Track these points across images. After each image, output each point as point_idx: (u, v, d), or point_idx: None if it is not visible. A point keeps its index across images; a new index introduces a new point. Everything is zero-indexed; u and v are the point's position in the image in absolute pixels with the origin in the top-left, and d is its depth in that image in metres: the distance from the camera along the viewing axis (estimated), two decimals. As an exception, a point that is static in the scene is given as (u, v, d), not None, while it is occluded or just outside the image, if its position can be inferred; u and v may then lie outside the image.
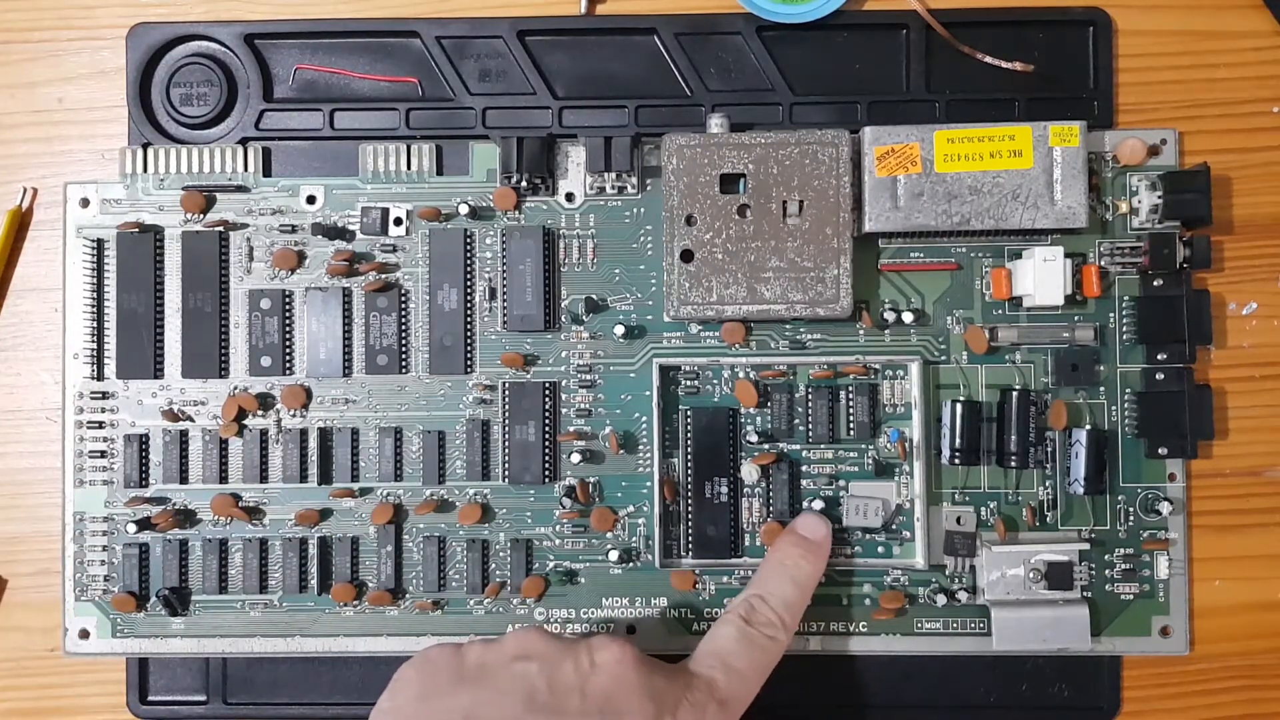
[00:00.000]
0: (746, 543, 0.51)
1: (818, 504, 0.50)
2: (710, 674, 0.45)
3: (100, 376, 0.51)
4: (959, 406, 0.49)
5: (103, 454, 0.51)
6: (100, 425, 0.51)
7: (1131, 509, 0.50)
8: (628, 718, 0.42)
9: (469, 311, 0.51)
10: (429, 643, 0.50)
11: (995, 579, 0.50)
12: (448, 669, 0.44)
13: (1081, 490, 0.49)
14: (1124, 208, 0.50)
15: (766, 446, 0.51)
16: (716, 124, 0.50)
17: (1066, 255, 0.49)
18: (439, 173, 0.51)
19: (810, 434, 0.50)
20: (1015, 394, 0.49)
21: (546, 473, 0.50)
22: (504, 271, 0.50)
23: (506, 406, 0.50)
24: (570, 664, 0.43)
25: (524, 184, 0.50)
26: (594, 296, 0.51)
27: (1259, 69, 0.52)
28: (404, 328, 0.51)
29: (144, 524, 0.50)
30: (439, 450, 0.51)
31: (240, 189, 0.51)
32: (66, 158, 0.53)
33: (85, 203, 0.51)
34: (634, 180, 0.50)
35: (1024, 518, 0.50)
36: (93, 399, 0.51)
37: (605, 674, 0.43)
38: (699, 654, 0.46)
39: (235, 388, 0.51)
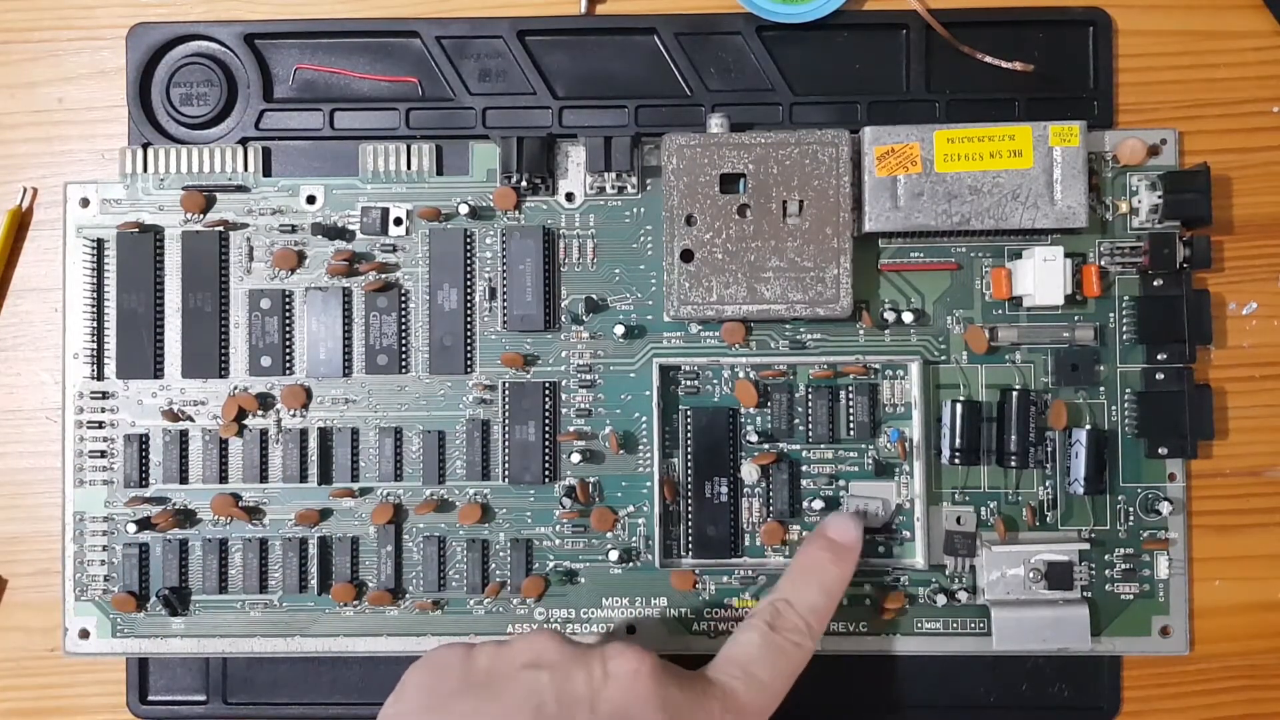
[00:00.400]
0: (746, 543, 0.51)
1: (817, 504, 0.50)
2: (730, 683, 0.43)
3: (100, 376, 0.51)
4: (959, 406, 0.49)
5: (103, 454, 0.51)
6: (100, 425, 0.51)
7: (1131, 509, 0.50)
8: None
9: (469, 311, 0.51)
10: (429, 643, 0.50)
11: (995, 579, 0.50)
12: (456, 674, 0.42)
13: (1081, 490, 0.49)
14: (1124, 208, 0.50)
15: (766, 446, 0.51)
16: (716, 124, 0.50)
17: (1066, 255, 0.49)
18: (439, 173, 0.51)
19: (810, 434, 0.50)
20: (1015, 394, 0.49)
21: (546, 473, 0.50)
22: (504, 271, 0.50)
23: (506, 406, 0.50)
24: (582, 674, 0.41)
25: (524, 184, 0.50)
26: (594, 296, 0.51)
27: (1259, 69, 0.52)
28: (404, 328, 0.51)
29: (144, 524, 0.50)
30: (439, 450, 0.51)
31: (240, 189, 0.51)
32: (66, 158, 0.53)
33: (85, 203, 0.51)
34: (634, 180, 0.50)
35: (1024, 518, 0.50)
36: (93, 399, 0.51)
37: (618, 686, 0.41)
38: (720, 661, 0.44)
39: (235, 388, 0.51)
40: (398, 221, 0.51)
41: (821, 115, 0.52)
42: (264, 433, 0.51)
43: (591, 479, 0.51)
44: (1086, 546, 0.50)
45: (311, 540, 0.51)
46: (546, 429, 0.50)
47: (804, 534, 0.50)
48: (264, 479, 0.51)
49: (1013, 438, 0.49)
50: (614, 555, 0.50)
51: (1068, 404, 0.50)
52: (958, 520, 0.50)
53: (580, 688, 0.41)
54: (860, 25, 0.52)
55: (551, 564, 0.51)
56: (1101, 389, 0.50)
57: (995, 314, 0.50)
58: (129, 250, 0.51)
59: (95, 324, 0.51)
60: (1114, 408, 0.50)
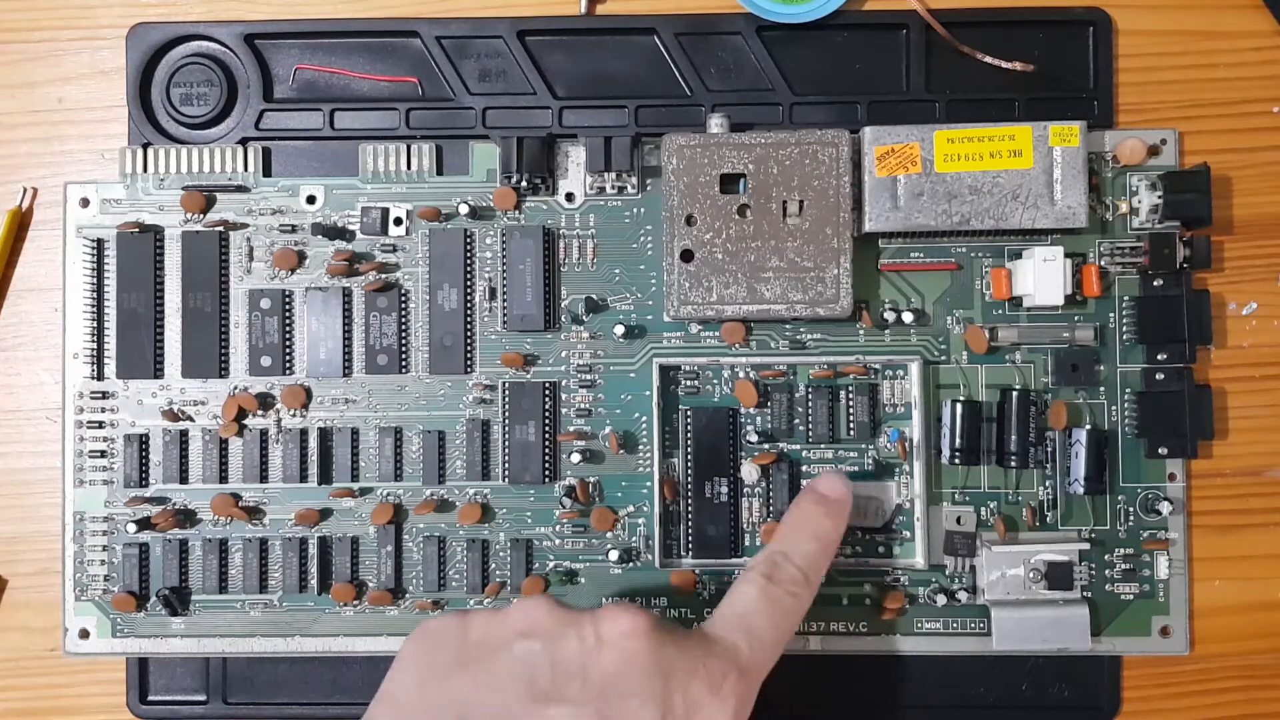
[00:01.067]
0: (746, 543, 0.51)
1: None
2: (732, 638, 0.42)
3: (100, 376, 0.51)
4: (959, 406, 0.49)
5: (103, 454, 0.51)
6: (100, 425, 0.51)
7: (1131, 509, 0.50)
8: (632, 701, 0.39)
9: (469, 311, 0.51)
10: (429, 643, 0.50)
11: (995, 579, 0.50)
12: (451, 646, 0.42)
13: (1081, 490, 0.49)
14: (1124, 208, 0.50)
15: (766, 446, 0.51)
16: (716, 124, 0.50)
17: (1066, 255, 0.49)
18: (439, 173, 0.51)
19: (810, 434, 0.50)
20: (1015, 394, 0.49)
21: (546, 473, 0.50)
22: (504, 271, 0.50)
23: (506, 406, 0.50)
24: (575, 640, 0.40)
25: (524, 184, 0.50)
26: (594, 296, 0.51)
27: (1259, 69, 0.52)
28: (404, 328, 0.51)
29: (144, 524, 0.50)
30: (439, 450, 0.51)
31: (240, 189, 0.51)
32: (66, 158, 0.53)
33: (85, 203, 0.51)
34: (634, 180, 0.50)
35: (1024, 518, 0.50)
36: (93, 399, 0.51)
37: (612, 651, 0.40)
38: (719, 616, 0.43)
39: (235, 388, 0.51)
40: (398, 221, 0.51)
41: (821, 115, 0.52)
42: (264, 433, 0.51)
43: (591, 479, 0.51)
44: (1086, 546, 0.50)
45: (311, 540, 0.51)
46: (546, 429, 0.50)
47: (804, 534, 0.50)
48: (264, 479, 0.51)
49: (1013, 438, 0.49)
50: (614, 555, 0.50)
51: (1068, 404, 0.50)
52: (958, 520, 0.50)
53: (573, 654, 0.40)
54: (860, 25, 0.52)
55: (551, 564, 0.51)
56: (1101, 389, 0.50)
57: (995, 314, 0.50)
58: (129, 250, 0.51)
59: (95, 324, 0.51)
60: (1114, 408, 0.50)
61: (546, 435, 0.50)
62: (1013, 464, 0.49)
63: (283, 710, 0.52)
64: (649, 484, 0.50)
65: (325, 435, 0.51)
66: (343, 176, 0.51)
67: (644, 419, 0.50)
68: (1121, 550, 0.50)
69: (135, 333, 0.51)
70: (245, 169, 0.51)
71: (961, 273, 0.51)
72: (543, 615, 0.42)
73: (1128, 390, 0.50)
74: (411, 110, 0.52)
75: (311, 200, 0.51)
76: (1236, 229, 0.52)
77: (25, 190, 0.53)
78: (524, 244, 0.50)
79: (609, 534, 0.51)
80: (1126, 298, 0.50)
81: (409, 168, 0.51)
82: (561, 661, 0.40)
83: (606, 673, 0.40)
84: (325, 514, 0.51)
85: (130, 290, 0.51)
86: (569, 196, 0.51)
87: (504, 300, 0.50)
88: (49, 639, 0.53)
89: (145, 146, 0.51)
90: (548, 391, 0.50)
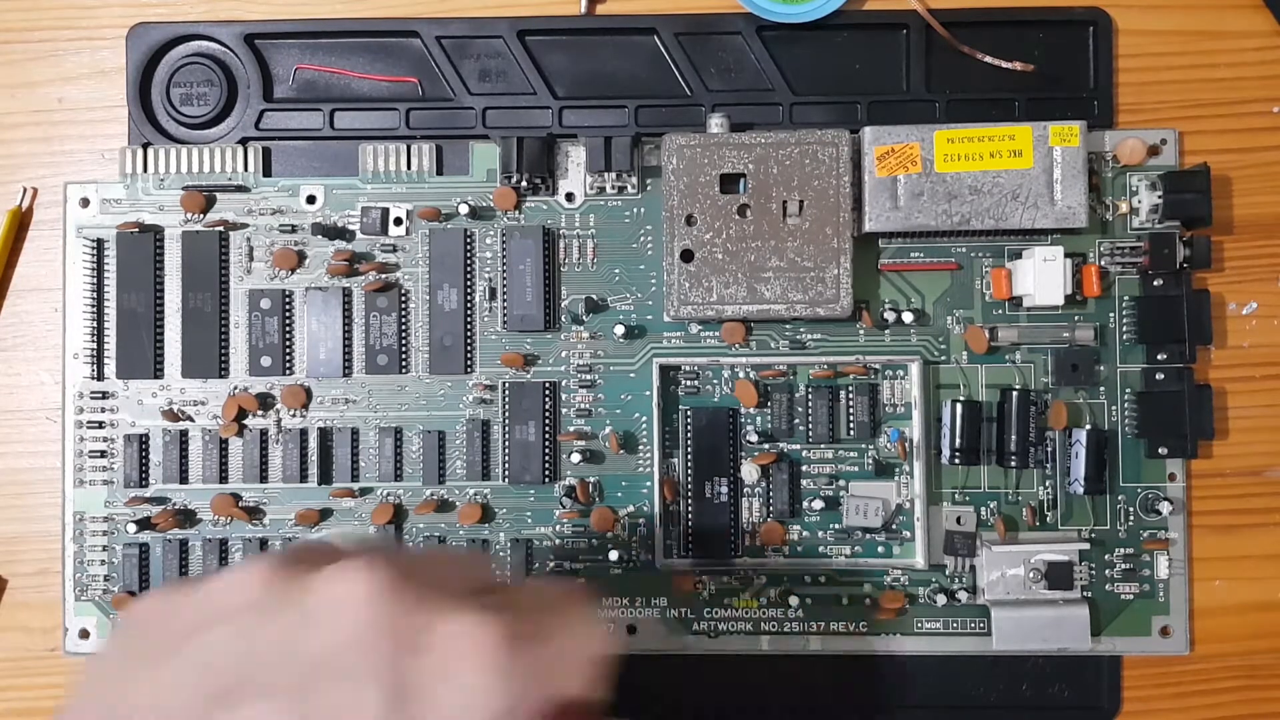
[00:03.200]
0: (746, 543, 0.51)
1: (817, 504, 0.50)
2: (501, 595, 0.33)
3: (100, 376, 0.51)
4: (959, 406, 0.49)
5: (103, 454, 0.51)
6: (100, 425, 0.51)
7: (1131, 509, 0.50)
8: (344, 685, 0.29)
9: (469, 311, 0.51)
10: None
11: (995, 579, 0.50)
12: (150, 635, 0.32)
13: (1081, 490, 0.49)
14: (1124, 208, 0.50)
15: (766, 446, 0.51)
16: (716, 124, 0.50)
17: (1066, 255, 0.49)
18: (439, 173, 0.51)
19: (810, 434, 0.50)
20: (1015, 394, 0.49)
21: (546, 473, 0.50)
22: (504, 271, 0.50)
23: (506, 406, 0.50)
24: (280, 618, 0.31)
25: (524, 184, 0.50)
26: (594, 296, 0.51)
27: (1259, 69, 0.52)
28: (404, 328, 0.51)
29: (144, 524, 0.50)
30: (439, 450, 0.51)
31: (240, 189, 0.51)
32: (66, 158, 0.53)
33: (85, 203, 0.51)
34: (634, 180, 0.50)
35: (1024, 518, 0.50)
36: (93, 399, 0.51)
37: (322, 627, 0.30)
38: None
39: (235, 388, 0.51)
40: (398, 221, 0.51)
41: (821, 115, 0.52)
42: (264, 433, 0.51)
43: (591, 479, 0.51)
44: (1086, 546, 0.50)
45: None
46: (546, 429, 0.50)
47: (804, 534, 0.50)
48: (264, 479, 0.51)
49: (1013, 438, 0.49)
50: (614, 555, 0.50)
51: (1068, 404, 0.50)
52: (958, 520, 0.50)
53: (277, 636, 0.30)
54: (860, 25, 0.52)
55: (551, 564, 0.51)
56: (1101, 389, 0.50)
57: (995, 314, 0.50)
58: (129, 250, 0.51)
59: (95, 324, 0.51)
60: (1114, 408, 0.50)
61: (546, 435, 0.50)
62: (1013, 464, 0.49)
63: (283, 710, 0.52)
64: (649, 484, 0.50)
65: (325, 435, 0.51)
66: (343, 176, 0.51)
67: (644, 419, 0.50)
68: (1121, 550, 0.50)
69: (135, 333, 0.51)
70: (245, 169, 0.51)
71: (961, 273, 0.51)
72: (255, 586, 0.31)
73: (1128, 390, 0.50)
74: (411, 110, 0.52)
75: (311, 200, 0.51)
76: (1236, 229, 0.52)
77: (25, 190, 0.53)
78: (524, 244, 0.50)
79: (609, 534, 0.51)
80: (1126, 298, 0.50)
81: (409, 168, 0.51)
82: (260, 648, 0.30)
83: (314, 655, 0.30)
84: (325, 514, 0.51)
85: (130, 290, 0.51)
86: (569, 196, 0.51)
87: (504, 300, 0.50)
88: (49, 639, 0.53)
89: (145, 146, 0.51)
90: (548, 391, 0.50)
